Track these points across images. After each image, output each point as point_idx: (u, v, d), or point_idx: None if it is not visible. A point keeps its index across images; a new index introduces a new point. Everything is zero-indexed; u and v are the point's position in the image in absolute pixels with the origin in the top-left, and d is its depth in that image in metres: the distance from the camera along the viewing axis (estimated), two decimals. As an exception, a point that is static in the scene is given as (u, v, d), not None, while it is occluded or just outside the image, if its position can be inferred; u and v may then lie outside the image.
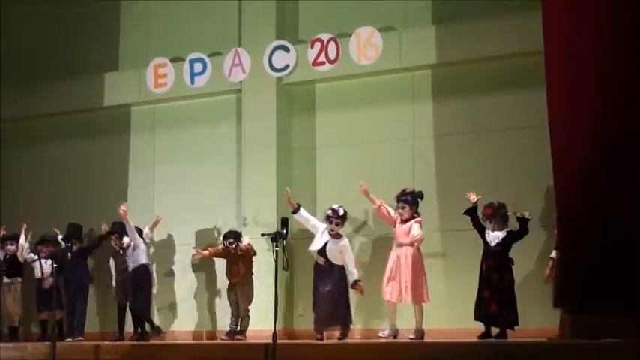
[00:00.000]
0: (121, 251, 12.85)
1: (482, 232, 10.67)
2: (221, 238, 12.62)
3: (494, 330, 10.30)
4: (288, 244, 11.26)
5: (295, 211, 11.61)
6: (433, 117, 12.51)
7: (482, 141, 12.01)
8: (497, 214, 10.60)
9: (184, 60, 13.73)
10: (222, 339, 11.99)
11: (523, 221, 10.39)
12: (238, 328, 12.07)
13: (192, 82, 13.68)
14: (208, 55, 13.61)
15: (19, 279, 13.68)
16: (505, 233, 10.52)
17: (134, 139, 14.50)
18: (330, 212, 11.46)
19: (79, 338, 12.43)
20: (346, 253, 11.40)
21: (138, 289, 12.56)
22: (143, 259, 12.65)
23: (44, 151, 14.93)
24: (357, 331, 11.85)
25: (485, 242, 10.62)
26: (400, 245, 11.13)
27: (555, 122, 9.21)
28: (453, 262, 11.70)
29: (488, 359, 8.40)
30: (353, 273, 11.30)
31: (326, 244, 11.36)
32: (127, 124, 14.57)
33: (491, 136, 11.97)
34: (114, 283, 12.97)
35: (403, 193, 11.33)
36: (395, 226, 11.32)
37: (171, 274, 13.74)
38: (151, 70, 13.95)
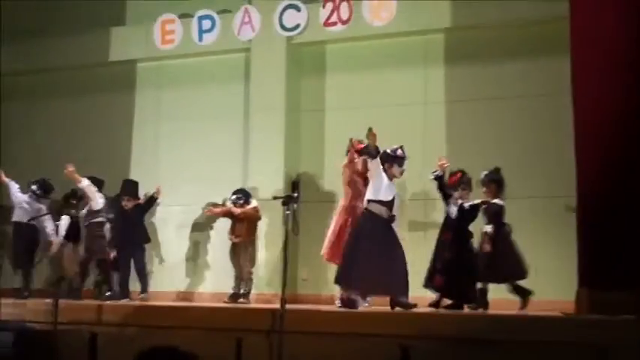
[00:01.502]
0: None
1: (446, 200, 10.41)
2: (230, 195, 12.35)
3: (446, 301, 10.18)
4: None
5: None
6: (445, 82, 12.28)
7: (494, 109, 11.82)
8: (463, 181, 10.33)
9: (193, 17, 13.48)
10: (225, 302, 11.80)
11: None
12: (241, 291, 11.91)
13: (201, 39, 13.49)
14: (217, 13, 13.39)
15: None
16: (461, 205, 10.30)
17: (139, 97, 14.24)
18: (400, 152, 10.10)
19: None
20: None
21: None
22: (16, 217, 12.77)
23: (47, 106, 14.60)
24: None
25: (447, 212, 10.44)
26: None
27: (580, 109, 8.92)
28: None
29: (499, 333, 8.16)
30: None
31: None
32: (132, 80, 14.30)
33: (504, 104, 11.75)
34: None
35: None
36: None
37: (173, 233, 13.54)
38: (159, 26, 13.76)
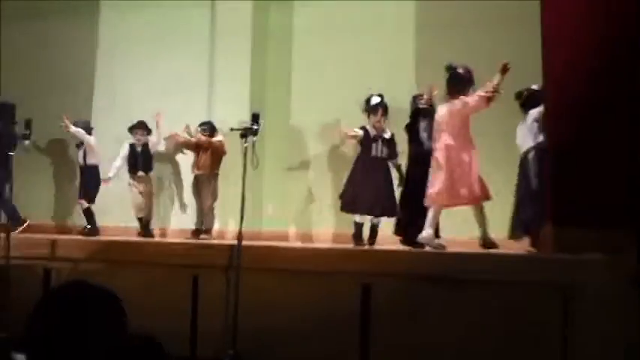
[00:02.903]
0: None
1: None
2: (196, 127, 11.99)
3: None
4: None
5: None
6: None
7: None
8: None
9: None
10: (187, 238, 11.50)
11: None
12: (203, 226, 11.66)
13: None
14: None
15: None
16: None
17: (103, 18, 13.65)
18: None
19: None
20: None
21: None
22: None
23: (7, 28, 13.96)
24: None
25: None
26: None
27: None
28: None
29: (462, 272, 7.92)
30: None
31: None
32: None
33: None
34: None
35: None
36: None
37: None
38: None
